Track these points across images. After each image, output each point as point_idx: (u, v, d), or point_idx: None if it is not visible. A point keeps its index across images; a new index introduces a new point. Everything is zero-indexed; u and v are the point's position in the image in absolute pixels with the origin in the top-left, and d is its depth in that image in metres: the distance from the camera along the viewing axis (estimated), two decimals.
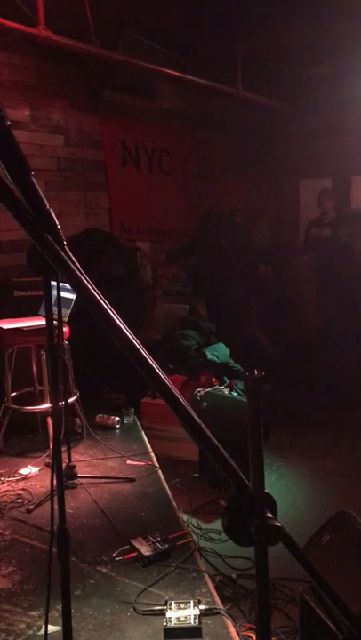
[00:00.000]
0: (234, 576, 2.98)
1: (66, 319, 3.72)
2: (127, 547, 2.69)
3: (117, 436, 4.12)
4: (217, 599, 2.41)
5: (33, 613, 2.31)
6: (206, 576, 2.58)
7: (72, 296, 3.66)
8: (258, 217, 7.76)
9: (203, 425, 1.10)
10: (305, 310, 6.84)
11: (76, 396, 3.92)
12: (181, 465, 4.30)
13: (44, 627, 2.10)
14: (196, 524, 3.55)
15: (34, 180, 1.08)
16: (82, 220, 5.65)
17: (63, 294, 3.26)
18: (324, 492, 4.04)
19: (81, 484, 3.36)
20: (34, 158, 5.02)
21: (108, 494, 3.28)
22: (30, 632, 2.21)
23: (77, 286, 1.10)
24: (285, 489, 4.08)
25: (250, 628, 2.57)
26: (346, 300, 5.78)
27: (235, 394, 4.68)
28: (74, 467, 3.39)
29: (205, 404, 4.41)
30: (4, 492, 3.32)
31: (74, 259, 1.11)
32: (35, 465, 3.61)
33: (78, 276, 1.10)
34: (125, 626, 2.24)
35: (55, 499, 1.59)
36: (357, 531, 2.29)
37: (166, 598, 2.35)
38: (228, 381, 4.89)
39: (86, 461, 3.68)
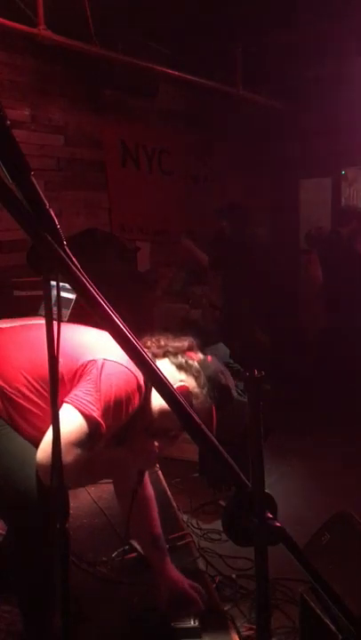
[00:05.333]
0: (234, 576, 2.98)
1: (65, 319, 3.71)
2: (127, 547, 2.69)
3: None
4: (217, 599, 2.41)
5: None
6: (206, 576, 2.57)
7: (72, 296, 3.65)
8: (258, 217, 7.74)
9: (203, 425, 1.10)
10: (307, 310, 6.83)
11: None
12: (181, 465, 4.29)
13: None
14: (196, 525, 3.55)
15: (34, 179, 1.08)
16: (82, 220, 5.64)
17: (63, 294, 3.24)
18: (324, 492, 4.04)
19: None
20: (34, 158, 5.01)
21: (107, 494, 3.27)
22: None
23: (77, 286, 1.10)
24: (285, 489, 4.08)
25: (250, 628, 2.57)
26: (352, 301, 5.73)
27: (235, 394, 4.67)
28: None
29: None
30: None
31: (74, 259, 1.11)
32: None
33: (78, 276, 1.10)
34: (125, 626, 2.23)
35: None
36: (357, 531, 2.29)
37: None
38: None
39: None
